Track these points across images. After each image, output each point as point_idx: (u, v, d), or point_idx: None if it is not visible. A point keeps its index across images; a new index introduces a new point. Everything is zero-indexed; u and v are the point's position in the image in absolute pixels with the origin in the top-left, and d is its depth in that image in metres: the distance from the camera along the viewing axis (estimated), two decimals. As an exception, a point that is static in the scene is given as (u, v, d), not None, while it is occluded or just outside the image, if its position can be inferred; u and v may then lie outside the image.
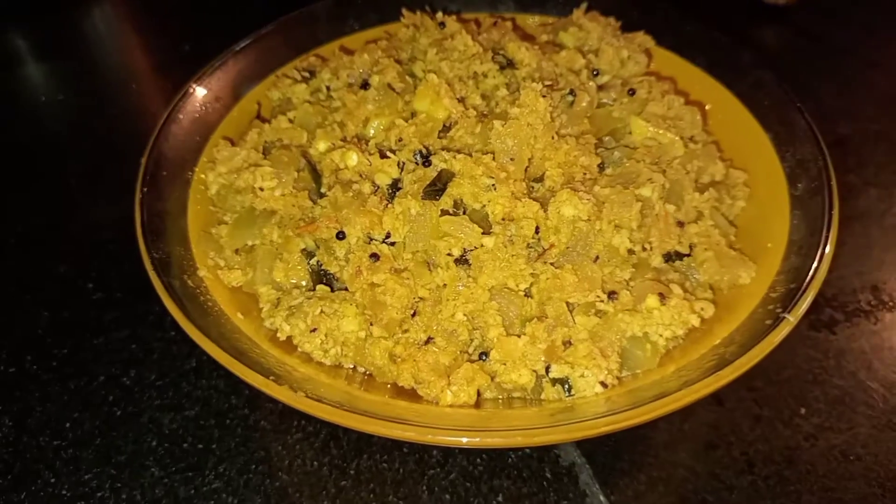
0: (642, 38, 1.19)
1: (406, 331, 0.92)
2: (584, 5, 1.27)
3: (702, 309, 0.90)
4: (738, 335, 0.83)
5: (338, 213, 0.91)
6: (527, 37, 1.24)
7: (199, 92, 1.14)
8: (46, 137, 1.60)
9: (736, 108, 1.14)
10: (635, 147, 1.03)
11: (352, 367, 0.93)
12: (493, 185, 0.90)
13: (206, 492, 1.01)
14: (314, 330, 0.87)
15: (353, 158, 0.96)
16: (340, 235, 0.91)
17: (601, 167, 1.00)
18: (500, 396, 0.90)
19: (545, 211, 0.91)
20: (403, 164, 0.97)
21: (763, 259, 0.96)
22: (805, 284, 0.86)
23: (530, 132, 0.94)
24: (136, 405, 1.11)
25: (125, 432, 1.08)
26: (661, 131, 1.02)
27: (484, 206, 0.91)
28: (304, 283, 0.96)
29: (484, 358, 0.89)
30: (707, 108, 1.20)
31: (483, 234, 0.89)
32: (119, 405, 1.11)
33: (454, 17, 1.20)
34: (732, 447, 1.05)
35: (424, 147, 0.98)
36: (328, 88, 1.12)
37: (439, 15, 1.19)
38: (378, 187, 0.95)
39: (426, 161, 0.93)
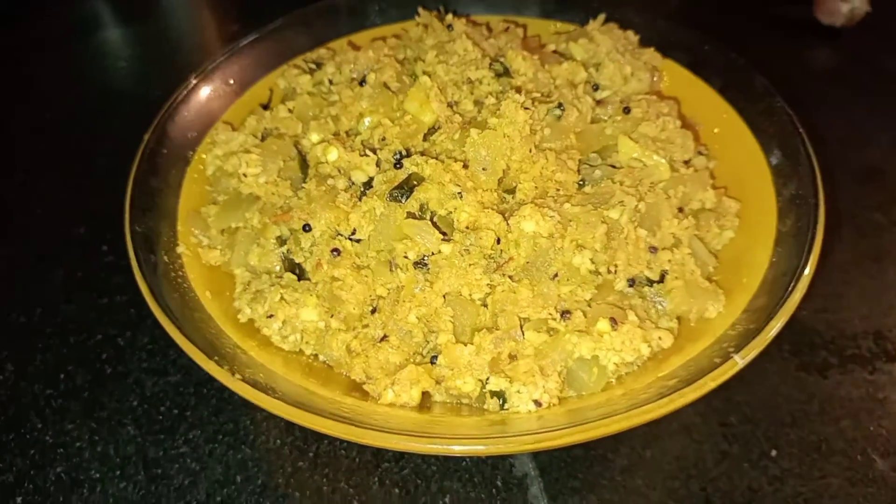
0: (650, 56, 1.16)
1: (366, 326, 0.94)
2: (601, 17, 1.25)
3: (659, 338, 0.89)
4: (682, 370, 0.81)
5: (307, 206, 0.94)
6: (540, 45, 1.22)
7: (213, 75, 1.19)
8: (109, 102, 1.68)
9: (743, 134, 1.11)
10: (620, 167, 1.02)
11: (314, 355, 0.95)
12: (460, 193, 0.91)
13: (173, 455, 1.07)
14: (271, 316, 0.90)
15: (333, 154, 0.98)
16: (307, 227, 0.94)
17: (580, 184, 0.99)
18: (450, 401, 0.91)
19: (508, 223, 0.91)
20: (381, 163, 0.99)
21: (735, 294, 0.93)
22: (762, 326, 0.83)
23: (506, 143, 0.94)
24: (124, 365, 1.18)
25: (111, 390, 1.15)
26: (647, 153, 1.00)
27: (450, 212, 0.92)
28: (276, 268, 0.99)
29: (434, 361, 0.90)
30: (715, 131, 1.16)
31: (444, 240, 0.90)
32: (110, 363, 1.18)
33: (464, 19, 1.20)
34: (692, 480, 1.02)
35: (405, 149, 0.99)
36: (330, 81, 1.15)
37: (449, 17, 1.19)
38: (353, 184, 0.97)
39: (397, 163, 0.94)
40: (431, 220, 0.92)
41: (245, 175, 1.00)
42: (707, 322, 0.92)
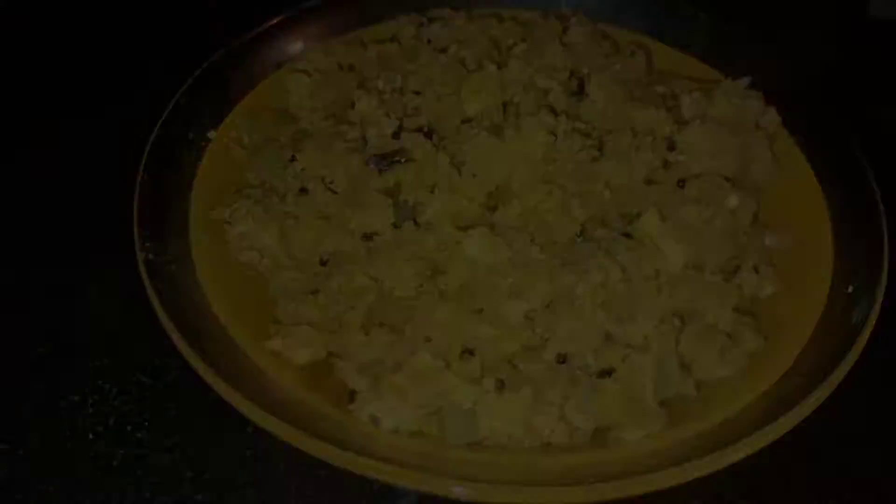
0: (758, 146, 0.98)
1: (316, 274, 0.94)
2: (745, 79, 1.07)
3: (551, 431, 0.78)
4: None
5: (306, 140, 0.95)
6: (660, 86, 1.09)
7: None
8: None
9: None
10: (632, 238, 0.88)
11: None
12: (433, 188, 0.86)
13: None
14: (227, 223, 0.94)
15: (364, 103, 0.97)
16: (292, 158, 0.95)
17: (578, 235, 0.88)
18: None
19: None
20: (401, 130, 0.96)
21: (673, 431, 0.79)
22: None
23: (509, 159, 0.86)
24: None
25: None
26: (669, 238, 0.86)
27: (418, 201, 0.87)
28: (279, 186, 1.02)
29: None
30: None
31: (394, 224, 0.86)
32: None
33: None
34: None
35: (430, 128, 0.95)
36: (429, 41, 1.12)
37: (573, 20, 1.10)
38: (363, 138, 0.96)
39: (396, 133, 0.91)
40: (400, 200, 0.88)
41: (290, 93, 1.02)
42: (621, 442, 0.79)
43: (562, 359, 0.82)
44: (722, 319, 0.87)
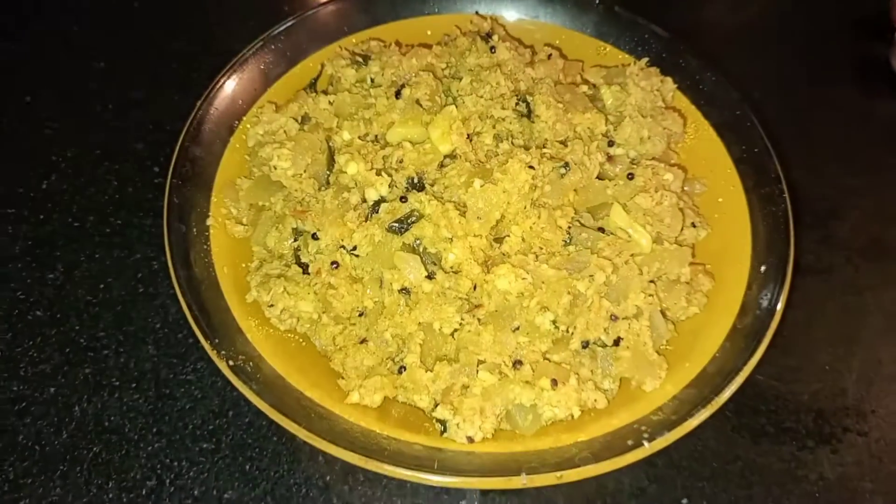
0: (672, 121, 1.21)
1: (353, 324, 1.08)
2: (643, 61, 1.28)
3: (595, 401, 1.01)
4: (595, 443, 0.95)
5: (320, 216, 1.06)
6: (581, 76, 1.27)
7: (269, 46, 1.28)
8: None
9: (741, 217, 1.17)
10: (608, 232, 1.10)
11: (305, 336, 1.11)
12: (451, 239, 1.02)
13: (181, 379, 1.26)
14: (271, 306, 1.05)
15: (353, 167, 1.09)
16: (315, 236, 1.07)
17: (567, 241, 1.09)
18: (406, 402, 1.06)
19: (487, 272, 1.03)
20: (395, 185, 1.09)
21: (676, 372, 1.04)
22: (682, 419, 0.95)
23: (504, 198, 1.03)
24: (155, 288, 1.35)
25: (140, 308, 1.33)
26: (636, 226, 1.08)
27: (439, 251, 1.03)
28: (288, 254, 1.13)
29: (401, 372, 1.04)
30: (719, 200, 1.22)
31: (428, 276, 1.02)
32: (143, 283, 1.36)
33: (509, 42, 1.25)
34: (606, 507, 1.18)
35: (418, 175, 1.10)
36: (372, 80, 1.23)
37: (495, 38, 1.24)
38: (365, 201, 1.08)
39: (403, 197, 1.05)
40: (422, 252, 1.04)
41: (275, 167, 1.11)
42: (643, 392, 1.04)
43: (585, 344, 1.05)
44: (682, 274, 1.12)
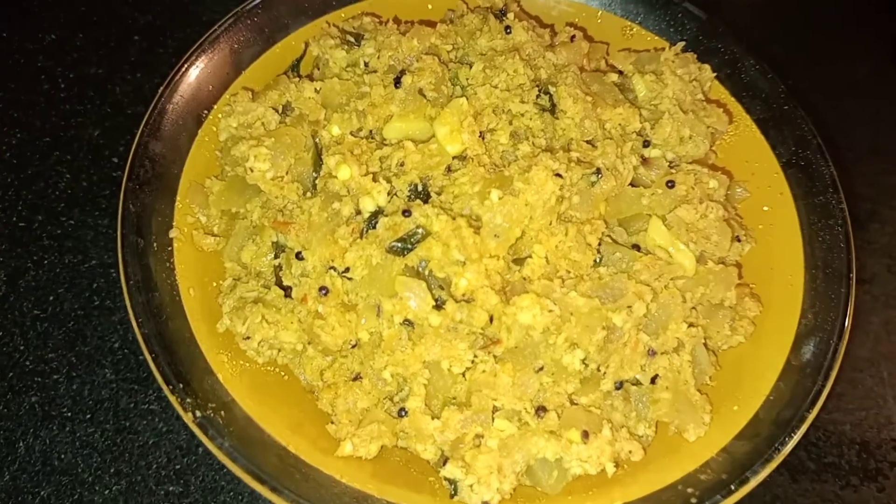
0: (716, 118, 1.04)
1: (344, 356, 0.92)
2: (679, 45, 1.11)
3: (630, 452, 0.86)
4: (636, 508, 0.80)
5: (307, 233, 0.89)
6: (606, 62, 1.10)
7: (244, 21, 1.09)
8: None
9: (792, 228, 1.02)
10: (644, 250, 0.94)
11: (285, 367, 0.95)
12: (463, 262, 0.85)
13: (143, 410, 1.09)
14: (247, 338, 0.89)
15: (344, 171, 0.91)
16: (299, 256, 0.90)
17: (597, 261, 0.93)
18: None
19: (506, 301, 0.86)
20: (395, 193, 0.92)
21: (722, 416, 0.90)
22: (734, 479, 0.80)
23: (526, 212, 0.87)
24: (113, 301, 1.18)
25: (96, 324, 1.15)
26: (678, 244, 0.92)
27: (448, 276, 0.87)
28: (267, 272, 0.96)
29: (402, 414, 0.88)
30: (764, 209, 1.07)
31: (435, 306, 0.86)
32: (99, 295, 1.18)
33: (525, 21, 1.07)
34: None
35: (422, 181, 0.92)
36: (366, 64, 1.05)
37: (510, 16, 1.06)
38: (359, 213, 0.91)
39: (406, 211, 0.88)
40: (428, 276, 0.87)
41: (251, 169, 0.93)
42: (684, 441, 0.89)
43: (619, 385, 0.89)
44: (728, 299, 0.97)
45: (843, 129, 1.45)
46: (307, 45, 1.14)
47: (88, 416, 1.08)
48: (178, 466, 1.05)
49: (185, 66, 1.04)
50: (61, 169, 1.30)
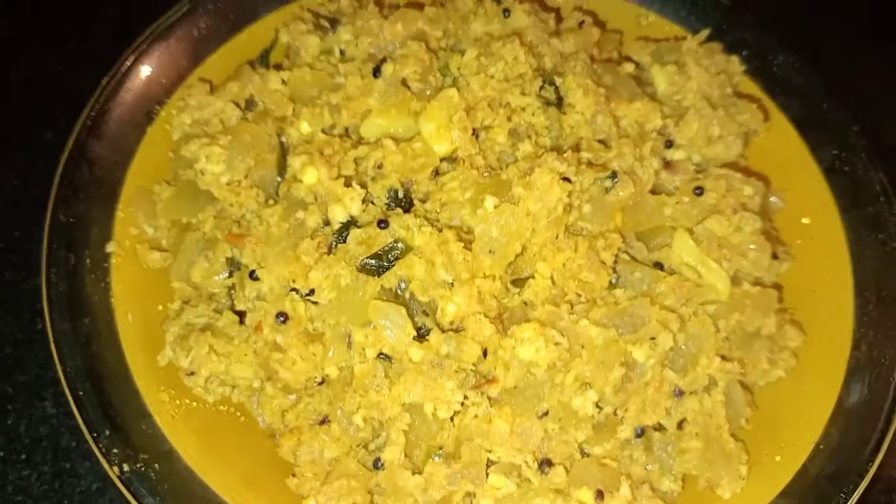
0: (751, 115, 0.90)
1: (311, 395, 0.78)
2: (704, 32, 0.97)
3: (653, 513, 0.72)
4: None
5: (263, 248, 0.75)
6: (619, 52, 0.96)
7: (203, 6, 0.95)
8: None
9: (838, 243, 0.88)
10: (668, 269, 0.80)
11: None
12: (451, 283, 0.71)
13: (86, 450, 0.95)
14: (192, 374, 0.74)
15: (311, 175, 0.77)
16: (253, 275, 0.76)
17: (613, 282, 0.78)
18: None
19: (503, 331, 0.72)
20: (371, 200, 0.78)
21: (761, 472, 0.75)
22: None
23: (527, 224, 0.73)
24: (56, 324, 1.04)
25: (37, 351, 1.02)
26: (709, 262, 0.78)
27: (433, 300, 0.72)
28: (219, 292, 0.82)
29: (377, 466, 0.74)
30: (804, 221, 0.93)
31: (417, 336, 0.71)
32: (42, 318, 1.04)
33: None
34: None
35: (404, 186, 0.78)
36: (342, 52, 0.91)
37: (509, -1, 0.93)
38: (327, 224, 0.77)
39: (383, 221, 0.73)
40: (409, 301, 0.73)
41: (202, 172, 0.80)
42: (718, 498, 0.74)
43: (639, 432, 0.75)
44: (766, 327, 0.82)
45: (893, 129, 1.29)
46: (277, 32, 1.00)
47: (24, 456, 0.95)
48: (124, 515, 0.91)
49: (134, 55, 0.90)
50: (6, 174, 1.16)
